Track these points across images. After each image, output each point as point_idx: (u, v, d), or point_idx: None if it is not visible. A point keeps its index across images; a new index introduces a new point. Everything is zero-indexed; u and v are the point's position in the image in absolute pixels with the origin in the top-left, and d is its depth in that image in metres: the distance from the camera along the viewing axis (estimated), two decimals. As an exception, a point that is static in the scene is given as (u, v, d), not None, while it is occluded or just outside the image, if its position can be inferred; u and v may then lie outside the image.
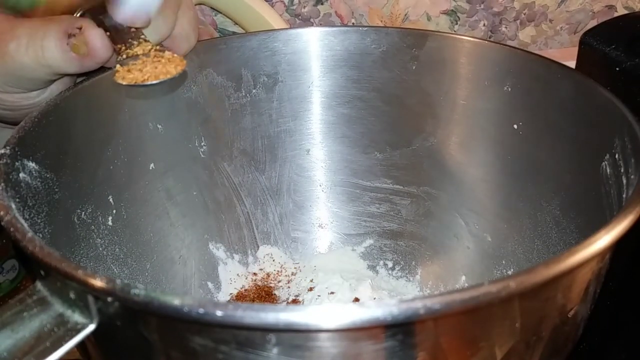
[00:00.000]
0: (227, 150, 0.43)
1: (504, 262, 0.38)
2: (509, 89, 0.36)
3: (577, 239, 0.31)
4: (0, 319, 0.19)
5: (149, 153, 0.39)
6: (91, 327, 0.18)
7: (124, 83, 0.33)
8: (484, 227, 0.40)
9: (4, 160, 0.25)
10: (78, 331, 0.18)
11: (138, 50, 0.33)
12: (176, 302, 0.16)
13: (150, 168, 0.39)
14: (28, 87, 0.32)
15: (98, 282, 0.17)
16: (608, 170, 0.28)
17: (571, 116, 0.33)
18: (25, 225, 0.21)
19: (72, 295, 0.19)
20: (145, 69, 0.33)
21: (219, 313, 0.16)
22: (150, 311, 0.16)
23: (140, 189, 0.39)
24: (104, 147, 0.35)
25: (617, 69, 0.34)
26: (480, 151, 0.40)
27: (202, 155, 0.42)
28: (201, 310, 0.16)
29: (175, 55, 0.35)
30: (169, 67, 0.34)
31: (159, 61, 0.33)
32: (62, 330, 0.18)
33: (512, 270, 0.37)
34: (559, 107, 0.33)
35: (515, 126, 0.36)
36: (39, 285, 0.20)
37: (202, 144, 0.42)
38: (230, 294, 0.43)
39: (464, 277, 0.41)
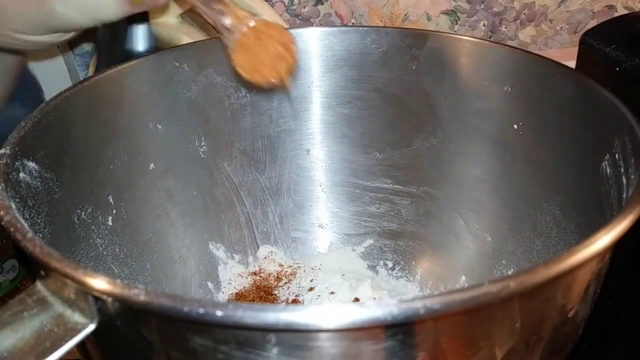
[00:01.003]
0: (227, 150, 0.43)
1: (504, 262, 0.38)
2: (509, 89, 0.36)
3: (577, 239, 0.31)
4: (0, 319, 0.19)
5: (149, 153, 0.39)
6: (91, 327, 0.18)
7: (248, 78, 0.34)
8: (484, 227, 0.40)
9: (4, 160, 0.25)
10: (78, 331, 0.18)
11: (236, 22, 0.33)
12: (176, 302, 0.16)
13: (150, 168, 0.39)
14: (57, 31, 0.32)
15: (98, 282, 0.17)
16: (608, 170, 0.28)
17: (571, 116, 0.33)
18: (26, 225, 0.21)
19: (72, 295, 0.19)
20: (266, 67, 0.34)
21: (219, 313, 0.16)
22: (150, 311, 0.16)
23: (140, 189, 0.39)
24: (104, 147, 0.35)
25: (617, 69, 0.34)
26: (480, 151, 0.40)
27: (202, 155, 0.42)
28: (201, 310, 0.16)
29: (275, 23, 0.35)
30: (284, 64, 0.35)
31: (277, 53, 0.34)
32: (62, 330, 0.18)
33: (512, 270, 0.37)
34: (559, 107, 0.33)
35: (515, 126, 0.36)
36: (39, 285, 0.20)
37: (202, 144, 0.42)
38: (231, 293, 0.43)
39: (464, 277, 0.41)
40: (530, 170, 0.36)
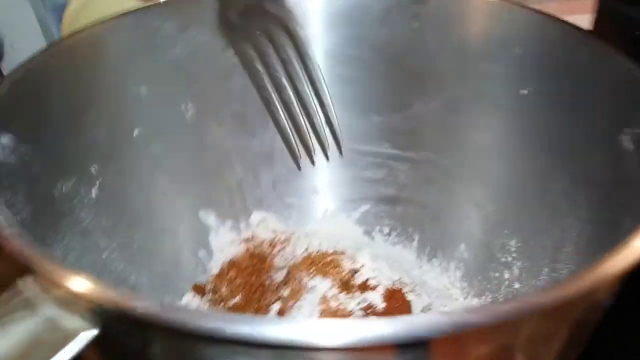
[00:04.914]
0: (216, 113, 0.41)
1: (506, 231, 0.37)
2: (519, 52, 0.34)
3: (588, 213, 0.30)
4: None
5: (133, 118, 0.36)
6: (92, 333, 0.16)
7: None
8: (486, 194, 0.39)
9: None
10: (75, 338, 0.16)
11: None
12: (183, 317, 0.14)
13: (135, 134, 0.37)
14: None
15: (95, 293, 0.15)
16: (627, 145, 0.27)
17: (586, 84, 0.31)
18: (3, 216, 0.18)
19: (65, 298, 0.17)
20: None
21: (228, 330, 0.14)
22: (154, 327, 0.15)
23: (125, 157, 0.36)
24: (85, 114, 0.33)
25: (638, 32, 0.32)
26: (485, 116, 0.38)
27: (190, 119, 0.40)
28: (210, 325, 0.14)
29: None
30: None
31: None
32: (57, 337, 0.16)
33: (514, 240, 0.36)
34: (574, 74, 0.31)
35: (525, 92, 0.34)
36: (21, 284, 0.18)
37: (189, 107, 0.39)
38: (223, 261, 0.42)
39: (463, 245, 0.40)
40: (539, 139, 0.34)
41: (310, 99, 0.39)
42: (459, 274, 0.40)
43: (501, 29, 0.35)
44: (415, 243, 0.43)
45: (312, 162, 0.43)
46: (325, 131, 0.41)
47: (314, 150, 0.42)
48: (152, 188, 0.38)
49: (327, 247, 0.42)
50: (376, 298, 0.34)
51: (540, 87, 0.34)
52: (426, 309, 0.35)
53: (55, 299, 0.18)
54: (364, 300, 0.34)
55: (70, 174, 0.31)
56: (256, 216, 0.44)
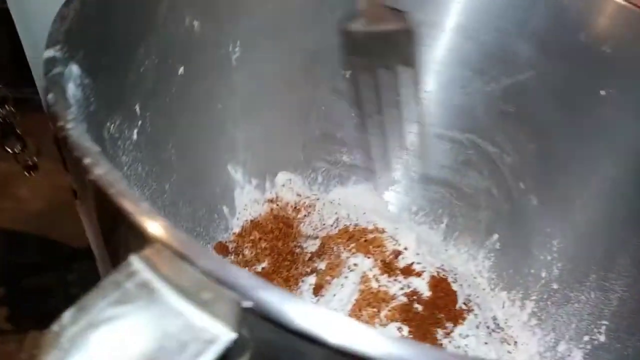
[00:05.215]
0: (261, 60, 0.37)
1: (548, 229, 0.37)
2: (608, 50, 0.33)
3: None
4: (93, 310, 0.14)
5: (181, 55, 0.33)
6: (231, 336, 0.14)
7: None
8: (530, 186, 0.38)
9: (58, 69, 0.19)
10: (216, 342, 0.14)
11: None
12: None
13: (179, 73, 0.33)
14: None
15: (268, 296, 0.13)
16: None
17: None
18: (127, 182, 0.15)
19: (201, 293, 0.14)
20: None
21: None
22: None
23: (166, 97, 0.33)
24: (138, 45, 0.29)
25: None
26: (545, 109, 0.36)
27: (234, 63, 0.36)
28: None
29: None
30: None
31: None
32: (192, 337, 0.14)
33: (557, 240, 0.36)
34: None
35: (603, 92, 0.33)
36: (134, 262, 0.15)
37: (237, 49, 0.36)
38: (246, 220, 0.39)
39: (496, 236, 0.39)
40: (603, 140, 0.33)
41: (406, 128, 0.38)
42: (487, 263, 0.40)
43: (592, 22, 0.33)
44: (443, 226, 0.42)
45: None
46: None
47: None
48: (185, 136, 0.35)
49: (355, 218, 0.40)
50: (422, 285, 0.33)
51: (622, 89, 0.32)
52: (467, 300, 0.34)
53: (182, 288, 0.15)
54: (408, 285, 0.33)
55: (117, 113, 0.27)
56: (282, 177, 0.42)
